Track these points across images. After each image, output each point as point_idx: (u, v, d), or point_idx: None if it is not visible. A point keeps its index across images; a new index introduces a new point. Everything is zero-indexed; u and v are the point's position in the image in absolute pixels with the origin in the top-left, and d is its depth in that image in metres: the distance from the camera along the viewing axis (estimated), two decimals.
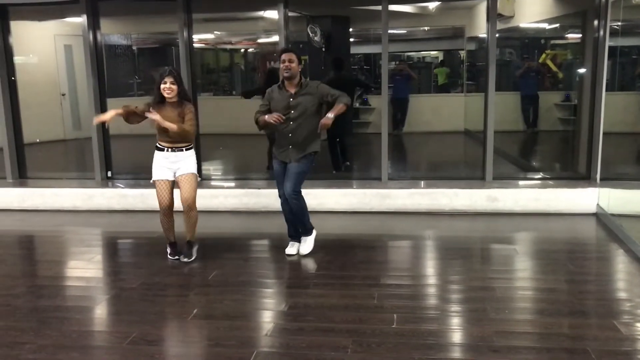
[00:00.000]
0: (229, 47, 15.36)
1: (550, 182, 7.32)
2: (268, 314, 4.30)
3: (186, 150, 5.19)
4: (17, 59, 8.28)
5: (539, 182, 7.45)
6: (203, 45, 14.41)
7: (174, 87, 5.00)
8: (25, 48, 9.59)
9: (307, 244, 5.46)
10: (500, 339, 3.71)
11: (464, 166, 9.55)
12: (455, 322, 4.07)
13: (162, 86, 4.98)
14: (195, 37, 7.91)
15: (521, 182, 7.46)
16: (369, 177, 8.00)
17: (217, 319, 4.09)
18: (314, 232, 5.51)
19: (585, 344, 3.63)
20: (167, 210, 5.23)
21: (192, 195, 5.16)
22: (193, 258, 5.33)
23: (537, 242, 6.09)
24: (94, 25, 7.74)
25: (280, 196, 5.34)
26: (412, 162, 10.63)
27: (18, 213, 7.48)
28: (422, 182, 7.42)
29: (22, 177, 8.24)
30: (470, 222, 6.61)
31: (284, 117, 5.02)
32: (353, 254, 5.56)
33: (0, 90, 7.95)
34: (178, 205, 5.26)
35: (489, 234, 6.31)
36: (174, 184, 5.23)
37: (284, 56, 5.08)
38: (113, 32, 11.73)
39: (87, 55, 7.75)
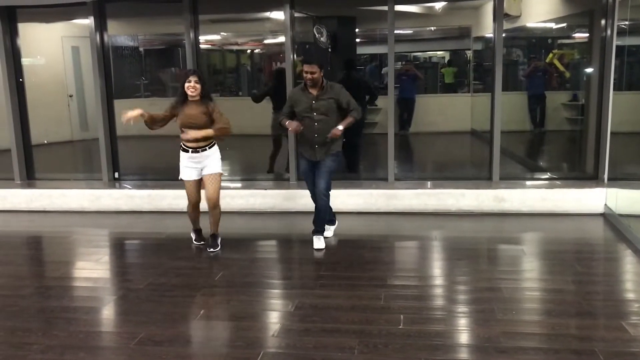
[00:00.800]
0: (235, 48, 15.36)
1: (558, 182, 7.29)
2: (275, 314, 4.31)
3: (209, 148, 5.43)
4: (25, 61, 8.32)
5: (546, 182, 7.42)
6: (209, 46, 14.42)
7: (198, 85, 5.23)
8: (33, 49, 9.62)
9: (321, 241, 5.74)
10: (507, 339, 3.70)
11: (470, 166, 9.53)
12: (462, 322, 4.06)
13: (186, 85, 5.22)
14: (202, 38, 7.93)
15: (528, 183, 7.43)
16: (375, 177, 7.99)
17: (224, 320, 4.10)
18: (331, 228, 6.03)
19: (592, 345, 3.61)
20: (195, 205, 5.63)
21: (217, 194, 5.48)
22: (219, 248, 5.65)
23: (544, 242, 6.07)
24: (101, 26, 7.77)
25: (311, 192, 5.69)
26: (418, 162, 10.61)
27: (26, 214, 7.52)
28: (429, 182, 7.41)
29: (30, 178, 8.28)
30: (477, 223, 6.59)
31: (301, 128, 5.38)
32: (359, 255, 5.55)
33: (9, 92, 8.00)
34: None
35: (496, 234, 6.29)
36: (200, 182, 5.52)
37: (306, 68, 5.25)
38: (120, 34, 11.75)
39: (94, 57, 7.78)
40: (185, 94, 5.28)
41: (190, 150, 5.40)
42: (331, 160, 5.52)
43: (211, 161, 5.46)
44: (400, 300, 4.39)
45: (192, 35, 7.56)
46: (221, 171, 5.54)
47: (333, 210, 6.02)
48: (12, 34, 8.02)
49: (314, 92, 5.37)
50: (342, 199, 7.03)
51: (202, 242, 5.84)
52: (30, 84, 8.42)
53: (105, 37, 7.85)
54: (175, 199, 7.19)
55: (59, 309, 4.38)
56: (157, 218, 7.08)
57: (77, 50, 11.42)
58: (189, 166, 5.45)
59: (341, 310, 4.21)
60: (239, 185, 7.75)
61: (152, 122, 5.33)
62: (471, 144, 12.07)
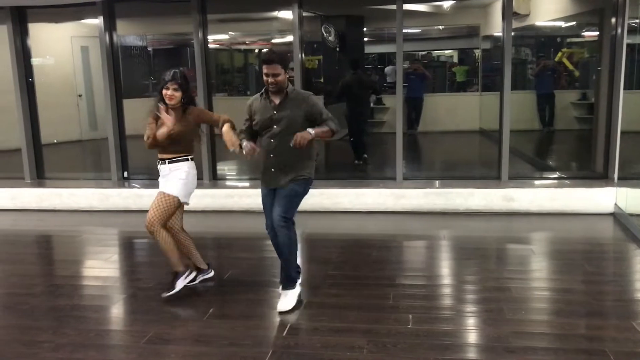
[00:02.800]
0: (243, 47, 15.40)
1: (567, 181, 7.25)
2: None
3: (175, 162, 4.48)
4: (35, 61, 8.37)
5: (555, 181, 7.38)
6: (217, 45, 14.46)
7: (177, 94, 4.38)
8: (43, 50, 9.68)
9: (287, 299, 4.27)
10: (516, 339, 3.69)
11: (479, 166, 9.50)
12: (471, 322, 4.05)
13: (164, 92, 4.40)
14: (210, 37, 7.94)
15: (537, 182, 7.40)
16: (383, 176, 7.99)
17: (233, 319, 4.10)
18: (299, 286, 4.40)
19: (603, 345, 3.59)
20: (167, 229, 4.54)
21: (152, 217, 4.39)
22: (173, 292, 4.44)
23: (553, 242, 6.04)
24: (110, 26, 7.81)
25: (267, 228, 4.33)
26: (427, 161, 10.59)
27: (36, 213, 7.57)
28: (437, 181, 7.39)
29: (40, 177, 8.33)
30: (486, 222, 6.57)
31: (257, 150, 4.22)
32: (368, 254, 5.55)
33: (19, 92, 8.05)
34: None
35: (504, 234, 6.27)
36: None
37: (266, 69, 4.08)
38: (129, 34, 11.81)
39: (103, 57, 7.82)
40: (164, 100, 4.42)
41: (158, 161, 4.54)
42: (297, 184, 4.24)
43: (170, 179, 4.48)
44: (409, 299, 4.39)
45: (200, 34, 7.58)
46: (175, 195, 4.44)
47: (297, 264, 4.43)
48: (23, 34, 8.07)
49: (275, 99, 4.20)
50: (350, 198, 7.04)
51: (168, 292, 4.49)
52: (40, 83, 8.47)
53: (115, 37, 7.88)
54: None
55: (69, 308, 4.41)
56: None
57: (86, 50, 11.49)
58: (160, 181, 4.59)
59: (350, 309, 4.21)
60: (247, 184, 7.76)
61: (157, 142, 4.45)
62: (480, 143, 12.04)
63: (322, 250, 5.75)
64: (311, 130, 4.10)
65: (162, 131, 4.34)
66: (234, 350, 3.65)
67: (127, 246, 6.41)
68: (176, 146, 4.44)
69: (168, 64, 14.68)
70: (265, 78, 4.12)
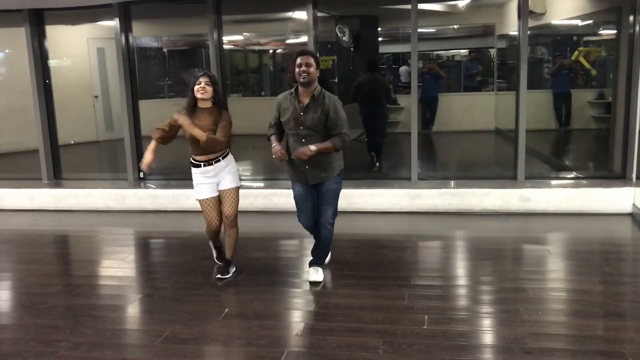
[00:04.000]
0: (257, 48, 15.44)
1: (584, 181, 7.18)
2: (298, 313, 4.32)
3: (223, 159, 4.76)
4: (52, 62, 8.46)
5: (572, 181, 7.31)
6: (232, 46, 14.52)
7: (209, 88, 4.57)
8: (60, 51, 9.79)
9: (319, 273, 4.84)
10: (533, 340, 3.66)
11: (495, 166, 9.44)
12: (487, 323, 4.03)
13: (196, 87, 4.56)
14: (225, 38, 7.97)
15: (554, 182, 7.34)
16: (398, 177, 7.97)
17: (248, 319, 4.11)
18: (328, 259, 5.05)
19: (622, 347, 3.55)
20: (216, 231, 4.97)
21: (235, 212, 4.84)
22: (229, 275, 4.95)
23: (570, 242, 5.98)
24: (126, 28, 7.86)
25: (301, 222, 4.82)
26: (442, 161, 10.54)
27: (53, 213, 7.64)
28: (453, 182, 7.35)
29: (57, 178, 8.42)
30: (502, 223, 6.52)
31: (286, 157, 4.50)
32: (383, 255, 5.54)
33: (37, 93, 8.14)
34: None
35: (521, 234, 6.23)
36: (218, 200, 4.84)
37: (300, 59, 4.35)
38: (144, 35, 11.90)
39: (119, 58, 7.88)
40: (195, 100, 4.60)
41: (202, 164, 4.74)
42: (335, 183, 4.62)
43: (227, 174, 4.80)
44: (424, 300, 4.37)
45: (215, 35, 7.61)
46: (240, 184, 4.90)
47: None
48: (40, 36, 8.16)
49: (304, 99, 4.42)
50: (365, 198, 7.03)
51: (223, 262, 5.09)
52: (57, 85, 8.55)
53: (130, 39, 7.94)
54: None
55: (86, 307, 4.45)
56: (181, 217, 7.14)
57: (102, 52, 11.59)
58: (203, 182, 4.78)
59: (365, 310, 4.21)
60: (261, 184, 7.78)
61: (165, 140, 4.76)
62: (495, 143, 11.97)
63: (337, 251, 5.73)
64: (313, 147, 4.32)
65: (198, 132, 4.51)
66: (250, 350, 3.66)
67: (143, 246, 6.46)
68: (223, 144, 4.69)
69: (183, 65, 14.77)
70: (297, 70, 4.32)
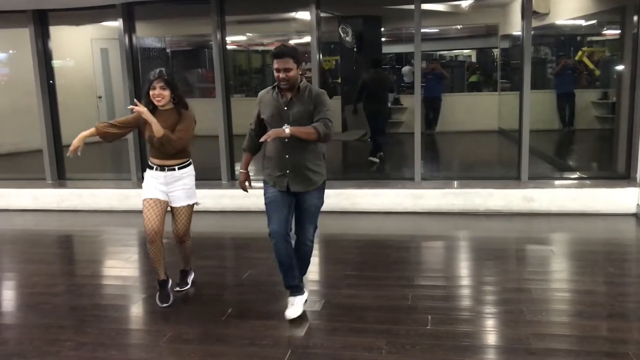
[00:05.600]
0: (260, 48, 15.45)
1: (588, 181, 7.17)
2: (302, 314, 4.30)
3: (179, 168, 4.33)
4: (55, 63, 8.47)
5: (576, 181, 7.31)
6: (235, 47, 14.54)
7: (165, 92, 4.12)
8: (63, 52, 9.81)
9: (296, 307, 4.14)
10: (537, 341, 3.65)
11: (498, 166, 9.43)
12: (491, 323, 4.02)
13: (151, 92, 4.13)
14: (228, 39, 7.98)
15: (557, 182, 7.33)
16: (401, 177, 7.96)
17: (251, 319, 4.11)
18: (305, 294, 4.25)
19: (626, 347, 3.54)
20: (154, 237, 4.34)
21: (186, 229, 4.48)
22: (188, 287, 4.68)
23: (574, 243, 5.97)
24: (129, 28, 7.88)
25: (273, 235, 4.00)
26: (445, 162, 10.53)
27: (57, 213, 7.66)
28: (456, 182, 7.35)
29: (60, 178, 8.43)
30: (506, 223, 6.51)
31: (248, 190, 4.25)
32: (386, 255, 5.53)
33: (40, 94, 8.15)
34: None
35: (524, 234, 6.21)
36: (164, 206, 4.36)
37: (277, 63, 3.81)
38: (148, 35, 11.91)
39: (122, 58, 7.89)
40: (152, 104, 4.17)
41: (154, 167, 4.32)
42: (318, 198, 4.06)
43: (180, 189, 4.35)
44: (428, 300, 4.36)
45: (219, 36, 7.62)
46: (193, 202, 4.45)
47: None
48: (44, 36, 8.17)
49: (287, 95, 3.93)
50: (368, 198, 7.02)
51: (166, 304, 4.40)
52: (60, 85, 8.57)
53: (134, 39, 7.95)
54: (201, 199, 7.21)
55: (90, 307, 4.46)
56: None
57: (105, 52, 11.61)
58: (151, 184, 4.35)
59: (368, 310, 4.20)
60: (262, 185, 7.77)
61: (102, 134, 4.33)
62: (499, 143, 11.95)
63: (340, 251, 5.75)
64: (287, 129, 3.70)
65: (157, 128, 4.10)
66: (253, 350, 3.66)
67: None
68: (180, 152, 4.29)
69: (186, 65, 14.79)
70: (276, 74, 3.83)
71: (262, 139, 3.72)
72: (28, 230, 7.11)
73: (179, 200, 4.39)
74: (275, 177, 4.00)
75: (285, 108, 3.91)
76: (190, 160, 4.44)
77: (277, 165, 3.97)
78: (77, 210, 7.68)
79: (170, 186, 4.34)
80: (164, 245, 4.47)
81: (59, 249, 6.53)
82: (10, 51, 10.71)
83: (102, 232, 6.82)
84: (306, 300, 4.26)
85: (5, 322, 4.37)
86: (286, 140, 3.85)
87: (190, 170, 4.42)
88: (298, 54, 3.86)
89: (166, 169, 4.30)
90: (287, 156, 3.93)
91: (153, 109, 4.19)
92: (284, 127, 3.73)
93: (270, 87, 4.06)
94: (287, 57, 3.80)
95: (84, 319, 4.22)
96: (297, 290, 4.17)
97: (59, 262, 5.93)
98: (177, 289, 4.66)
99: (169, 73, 4.21)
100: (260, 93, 4.13)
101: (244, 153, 4.25)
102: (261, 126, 4.06)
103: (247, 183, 4.27)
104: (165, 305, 4.39)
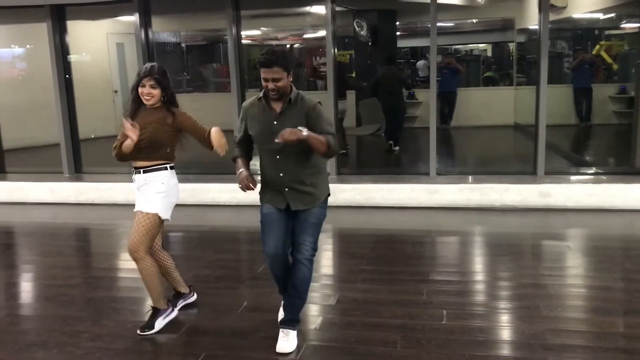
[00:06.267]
0: (275, 43, 15.47)
1: (604, 177, 7.10)
2: (316, 307, 4.32)
3: (145, 172, 3.81)
4: (72, 58, 8.54)
5: (592, 177, 7.24)
6: (250, 41, 14.56)
7: (155, 92, 3.73)
8: (80, 47, 9.88)
9: (290, 340, 3.62)
10: (553, 337, 3.63)
11: (514, 161, 9.37)
12: (507, 319, 4.01)
13: (140, 89, 3.74)
14: (243, 33, 7.99)
15: (574, 177, 7.26)
16: (416, 172, 7.94)
17: (267, 312, 4.13)
18: (296, 330, 3.70)
19: None
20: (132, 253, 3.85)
21: (135, 242, 3.79)
22: (152, 331, 3.86)
23: (591, 238, 5.93)
24: (145, 23, 7.92)
25: (268, 252, 3.58)
26: (460, 157, 10.48)
27: (74, 207, 7.73)
28: (471, 177, 7.31)
29: (78, 172, 8.51)
30: (521, 218, 6.48)
31: (255, 186, 3.52)
32: (401, 250, 5.53)
33: (58, 88, 8.22)
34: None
35: (540, 230, 6.18)
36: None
37: (264, 73, 3.35)
38: (163, 30, 11.96)
39: (139, 53, 7.94)
40: (139, 100, 3.78)
41: (133, 170, 3.89)
42: (320, 207, 3.58)
43: (145, 193, 3.81)
44: (443, 295, 4.36)
45: (234, 30, 7.63)
46: (154, 212, 3.77)
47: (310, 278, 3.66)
48: (62, 31, 8.24)
49: (277, 107, 3.46)
50: (383, 193, 7.01)
51: (143, 331, 3.86)
52: (77, 80, 8.64)
53: (150, 34, 7.99)
54: (217, 193, 7.31)
55: (107, 299, 4.51)
56: (200, 211, 7.19)
57: (121, 47, 11.68)
58: (135, 193, 3.94)
59: (383, 304, 4.21)
60: None
61: (124, 153, 3.79)
62: (514, 138, 11.87)
63: (355, 246, 5.76)
64: (305, 131, 3.27)
65: (128, 143, 3.67)
66: (269, 342, 3.67)
67: (162, 240, 6.49)
68: (153, 152, 3.78)
69: (201, 60, 14.84)
70: (264, 84, 3.37)
71: (277, 140, 3.27)
72: (46, 223, 7.19)
73: (138, 204, 3.83)
74: (272, 197, 3.59)
75: (275, 122, 3.43)
76: (167, 165, 3.85)
77: (273, 184, 3.56)
78: (94, 203, 7.76)
79: (141, 191, 3.86)
80: (155, 265, 3.94)
81: (76, 242, 6.60)
82: (28, 46, 10.81)
83: (118, 225, 6.88)
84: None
85: (25, 313, 4.45)
86: (277, 156, 3.46)
87: (159, 175, 3.80)
88: (288, 61, 3.39)
89: (134, 171, 3.85)
90: (281, 174, 3.50)
91: (139, 105, 3.80)
92: (299, 128, 3.28)
93: (255, 97, 3.56)
94: (276, 66, 3.31)
95: (102, 311, 4.27)
96: (291, 322, 3.67)
97: (77, 254, 6.01)
98: (138, 332, 3.86)
99: (161, 70, 3.77)
100: (245, 105, 3.61)
101: (236, 160, 3.67)
102: (247, 138, 3.62)
103: (250, 178, 3.53)
104: (138, 332, 3.83)
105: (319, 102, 3.53)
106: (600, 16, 11.50)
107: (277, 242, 3.54)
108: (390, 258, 5.31)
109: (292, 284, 3.59)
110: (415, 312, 4.06)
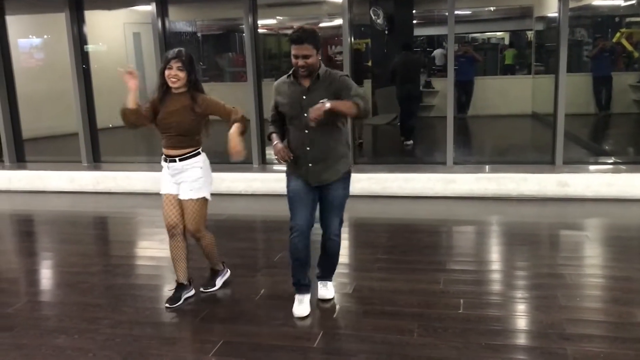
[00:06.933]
0: (290, 32, 15.43)
1: (623, 166, 7.01)
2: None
3: (181, 160, 4.00)
4: (89, 47, 8.59)
5: (611, 166, 7.16)
6: (265, 30, 14.53)
7: (182, 74, 3.84)
8: (97, 37, 9.93)
9: (329, 288, 4.17)
10: (571, 326, 3.61)
11: (532, 150, 9.28)
12: (524, 308, 4.00)
13: (166, 72, 3.85)
14: (259, 22, 7.97)
15: (593, 167, 7.19)
16: (433, 161, 7.91)
17: (284, 299, 4.15)
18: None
19: None
20: (173, 232, 4.13)
21: (196, 227, 4.11)
22: (214, 289, 4.35)
23: (610, 228, 5.87)
24: (162, 12, 7.94)
25: (295, 229, 3.77)
26: (477, 146, 10.41)
27: (93, 195, 7.82)
28: (488, 166, 7.26)
29: (96, 161, 8.59)
30: (539, 208, 6.43)
31: (291, 156, 3.72)
32: (418, 239, 5.52)
33: (76, 78, 8.28)
34: None
35: (558, 220, 6.12)
36: (179, 201, 4.11)
37: (295, 49, 3.56)
38: (179, 19, 11.98)
39: (155, 42, 7.97)
40: (167, 85, 3.91)
41: (164, 158, 4.08)
42: (343, 189, 3.83)
43: (188, 179, 4.02)
44: (460, 284, 4.35)
45: (250, 19, 7.63)
46: (203, 195, 4.07)
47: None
48: (80, 21, 8.29)
49: (305, 82, 3.67)
50: (399, 183, 7.00)
51: (172, 305, 4.11)
52: (94, 70, 8.69)
53: (167, 23, 8.01)
54: (233, 182, 7.33)
55: (126, 287, 4.56)
56: (216, 200, 7.10)
57: (138, 37, 11.70)
58: (164, 175, 4.12)
59: (400, 293, 4.21)
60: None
61: (138, 115, 4.01)
62: (532, 127, 11.76)
63: (371, 235, 5.76)
64: (327, 103, 3.42)
65: (129, 97, 3.94)
66: (286, 330, 3.70)
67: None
68: (185, 140, 3.97)
69: (217, 49, 14.84)
70: (294, 60, 3.57)
71: (312, 123, 3.46)
72: (65, 211, 7.28)
73: (184, 193, 4.04)
74: (298, 169, 3.78)
75: (304, 97, 3.64)
76: (199, 150, 4.07)
77: (298, 158, 3.73)
78: (112, 192, 7.83)
79: (176, 177, 4.05)
80: (186, 244, 4.21)
81: (95, 230, 6.68)
82: (46, 36, 10.89)
83: (136, 214, 6.94)
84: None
85: (47, 300, 4.52)
86: (306, 131, 3.64)
87: (195, 162, 4.02)
88: (318, 39, 3.59)
89: (168, 160, 4.02)
90: (307, 148, 3.70)
91: (166, 90, 3.94)
92: (322, 101, 3.44)
93: (284, 76, 3.77)
94: (307, 44, 3.53)
95: (121, 298, 4.32)
96: (305, 290, 3.98)
97: (95, 242, 6.08)
98: (201, 289, 4.33)
99: (189, 54, 3.90)
100: (276, 83, 3.83)
101: (271, 136, 3.84)
102: (281, 117, 3.83)
103: (287, 149, 3.72)
104: (167, 305, 4.09)
105: (347, 75, 3.74)
106: (621, 3, 11.32)
107: (306, 216, 3.77)
108: (406, 247, 5.30)
109: (325, 254, 4.02)
110: (432, 301, 4.05)
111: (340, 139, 3.79)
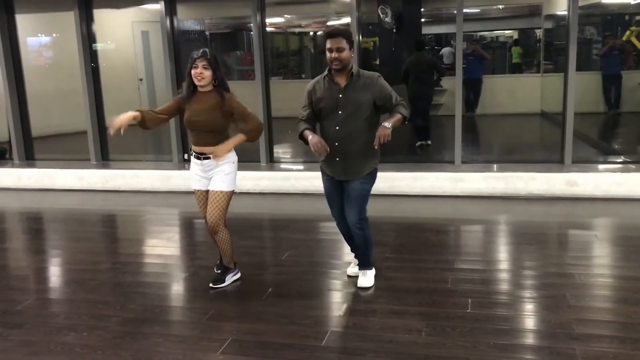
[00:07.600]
0: (298, 30, 15.42)
1: (633, 165, 6.97)
2: (340, 294, 4.34)
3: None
4: (98, 46, 8.62)
5: (621, 165, 7.11)
6: (273, 29, 14.53)
7: (207, 72, 4.06)
8: (105, 35, 9.96)
9: (368, 278, 4.35)
10: (580, 326, 3.60)
11: (541, 149, 9.24)
12: (532, 308, 3.98)
13: (192, 71, 4.08)
14: (267, 21, 7.97)
15: (602, 166, 7.15)
16: (441, 160, 7.88)
17: (291, 298, 4.16)
18: (374, 270, 4.45)
19: None
20: (216, 228, 4.29)
21: (217, 218, 4.22)
22: (223, 285, 4.43)
23: (619, 228, 5.84)
24: (170, 11, 7.96)
25: (334, 217, 4.32)
26: (486, 144, 10.37)
27: (101, 193, 7.85)
28: (497, 165, 7.24)
29: (104, 159, 8.62)
30: (548, 207, 6.40)
31: (328, 149, 3.89)
32: (425, 238, 5.51)
33: (85, 76, 8.32)
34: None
35: (567, 219, 6.10)
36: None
37: (330, 43, 3.83)
38: (187, 18, 12.00)
39: (164, 41, 7.99)
40: (194, 84, 4.14)
41: (194, 154, 4.30)
42: (362, 183, 4.08)
43: (217, 174, 4.22)
44: (468, 284, 4.34)
45: (258, 18, 7.63)
46: (230, 189, 4.26)
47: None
48: (88, 20, 8.32)
49: (341, 81, 3.94)
50: (407, 181, 6.99)
51: (215, 284, 4.42)
52: (102, 68, 8.72)
53: (175, 22, 8.03)
54: (241, 180, 7.28)
55: (134, 284, 4.58)
56: None
57: (146, 35, 11.73)
58: (196, 173, 4.33)
59: (408, 292, 4.20)
60: (302, 167, 7.81)
61: (148, 122, 4.21)
62: (541, 126, 11.70)
63: (379, 233, 5.72)
64: (387, 124, 3.79)
65: (223, 150, 4.17)
66: (294, 328, 3.71)
67: (188, 226, 6.58)
68: (216, 138, 4.17)
69: (225, 47, 14.85)
70: (328, 54, 3.84)
71: (375, 146, 3.82)
72: (74, 209, 7.31)
73: (214, 184, 4.23)
74: (327, 164, 4.10)
75: (340, 96, 3.93)
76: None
77: (329, 154, 3.94)
78: (120, 190, 7.86)
79: (209, 173, 4.26)
80: (229, 233, 4.37)
81: (104, 228, 6.71)
82: (54, 34, 10.94)
83: (144, 212, 6.97)
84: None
85: (55, 297, 4.54)
86: (337, 127, 3.94)
87: (229, 158, 4.24)
88: (351, 36, 3.91)
89: (202, 157, 4.22)
90: (336, 144, 3.96)
91: (193, 89, 4.17)
92: (383, 125, 3.80)
93: (319, 76, 4.06)
94: (341, 37, 3.84)
95: (129, 296, 4.34)
96: (365, 265, 4.35)
97: (104, 240, 6.10)
98: (211, 285, 4.40)
99: (213, 54, 4.14)
100: (311, 83, 4.08)
101: (304, 132, 3.96)
102: (313, 115, 4.06)
103: (323, 142, 3.89)
104: (211, 285, 4.37)
105: (379, 75, 3.99)
106: (631, 1, 11.23)
107: (339, 210, 4.22)
108: (414, 246, 5.30)
109: (354, 244, 4.35)
110: (439, 300, 4.05)
111: (367, 137, 3.94)
